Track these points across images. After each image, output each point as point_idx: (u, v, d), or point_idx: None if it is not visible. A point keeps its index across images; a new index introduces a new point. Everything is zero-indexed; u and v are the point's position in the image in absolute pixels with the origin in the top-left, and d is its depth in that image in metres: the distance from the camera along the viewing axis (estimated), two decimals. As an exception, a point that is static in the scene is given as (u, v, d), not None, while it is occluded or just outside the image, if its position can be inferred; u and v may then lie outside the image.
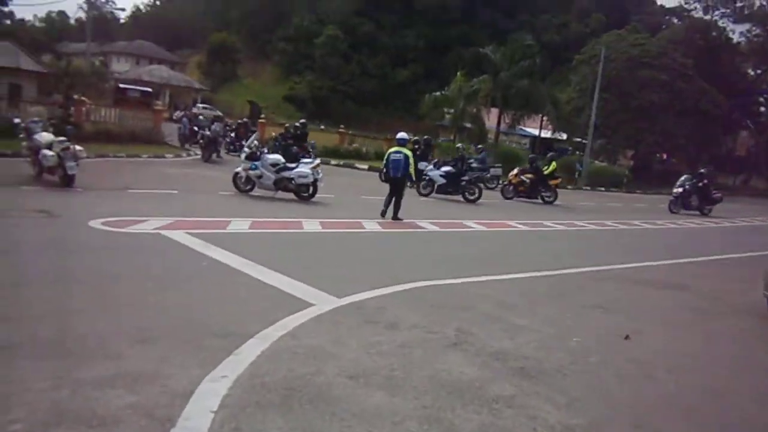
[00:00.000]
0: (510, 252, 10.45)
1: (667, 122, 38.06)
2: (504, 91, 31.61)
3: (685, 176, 22.27)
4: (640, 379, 4.41)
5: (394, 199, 12.30)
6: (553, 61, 52.14)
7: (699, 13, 50.08)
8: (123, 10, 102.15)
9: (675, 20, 63.65)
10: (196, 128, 23.99)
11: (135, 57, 78.32)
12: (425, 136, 24.43)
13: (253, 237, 9.02)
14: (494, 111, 34.05)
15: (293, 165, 13.70)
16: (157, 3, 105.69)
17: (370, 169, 25.86)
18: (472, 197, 18.00)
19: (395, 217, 12.19)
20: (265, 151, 14.04)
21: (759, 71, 52.40)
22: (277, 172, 13.54)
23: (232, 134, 25.23)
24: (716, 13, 48.53)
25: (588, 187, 31.19)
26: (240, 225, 9.59)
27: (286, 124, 27.47)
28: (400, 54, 73.94)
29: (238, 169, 13.74)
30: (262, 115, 33.38)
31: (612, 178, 34.92)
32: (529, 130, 41.28)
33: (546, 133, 40.41)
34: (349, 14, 73.95)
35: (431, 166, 19.23)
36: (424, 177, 18.55)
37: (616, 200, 25.52)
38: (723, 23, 48.28)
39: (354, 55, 72.70)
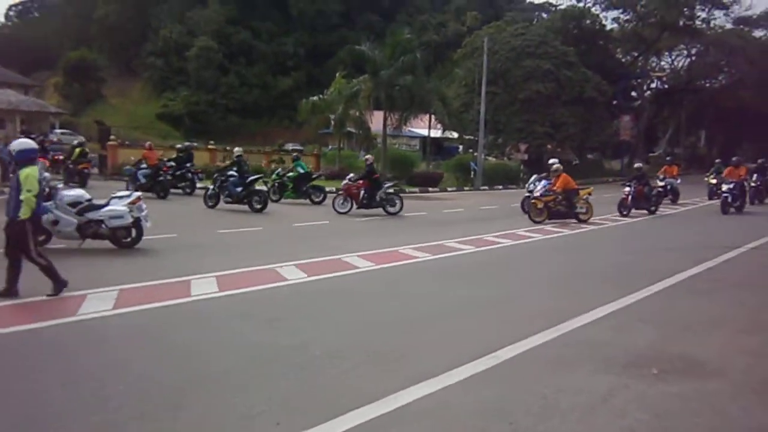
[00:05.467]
0: (421, 314, 6.85)
1: (555, 112, 37.32)
2: (387, 90, 29.01)
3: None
4: None
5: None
6: (435, 59, 50.87)
7: (571, 1, 50.54)
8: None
9: (544, 15, 64.71)
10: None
11: (-21, 83, 69.21)
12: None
13: None
14: (380, 114, 31.40)
15: (101, 202, 10.03)
16: (8, 23, 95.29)
17: (243, 190, 22.20)
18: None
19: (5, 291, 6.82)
20: (60, 185, 10.29)
21: (631, 56, 53.80)
22: (80, 213, 9.86)
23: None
24: (588, 0, 49.10)
25: (486, 187, 29.36)
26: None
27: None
28: (280, 62, 70.69)
29: (23, 215, 9.85)
30: (112, 136, 28.71)
31: (507, 174, 33.51)
32: (417, 130, 39.15)
33: (436, 133, 38.42)
34: (222, 23, 69.81)
35: None
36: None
37: (517, 198, 23.48)
38: (595, 10, 48.89)
39: (231, 66, 68.74)
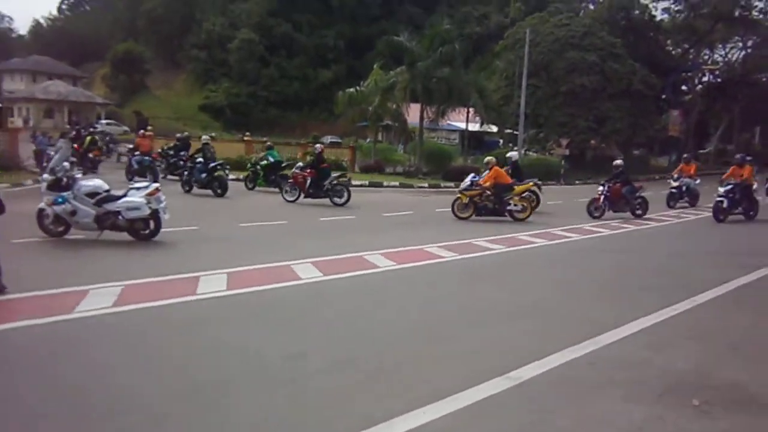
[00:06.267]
0: (436, 323, 6.22)
1: (600, 106, 35.97)
2: (424, 82, 28.34)
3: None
4: None
5: None
6: (476, 51, 49.78)
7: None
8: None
9: (591, 6, 62.39)
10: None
11: (31, 74, 71.38)
12: None
13: None
14: (417, 107, 30.76)
15: (120, 193, 9.82)
16: (60, 16, 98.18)
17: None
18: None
19: None
20: (78, 175, 10.15)
21: (682, 49, 51.58)
22: (98, 204, 9.68)
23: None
24: (637, -10, 47.11)
25: (524, 182, 28.39)
26: None
27: (177, 135, 24.90)
28: (320, 55, 70.67)
29: (42, 205, 9.78)
30: (149, 127, 28.99)
31: (547, 169, 32.42)
32: (456, 124, 38.33)
33: (474, 126, 37.53)
34: (263, 16, 70.17)
35: None
36: None
37: (555, 195, 22.63)
38: (645, 0, 46.96)
39: (272, 58, 69.14)
